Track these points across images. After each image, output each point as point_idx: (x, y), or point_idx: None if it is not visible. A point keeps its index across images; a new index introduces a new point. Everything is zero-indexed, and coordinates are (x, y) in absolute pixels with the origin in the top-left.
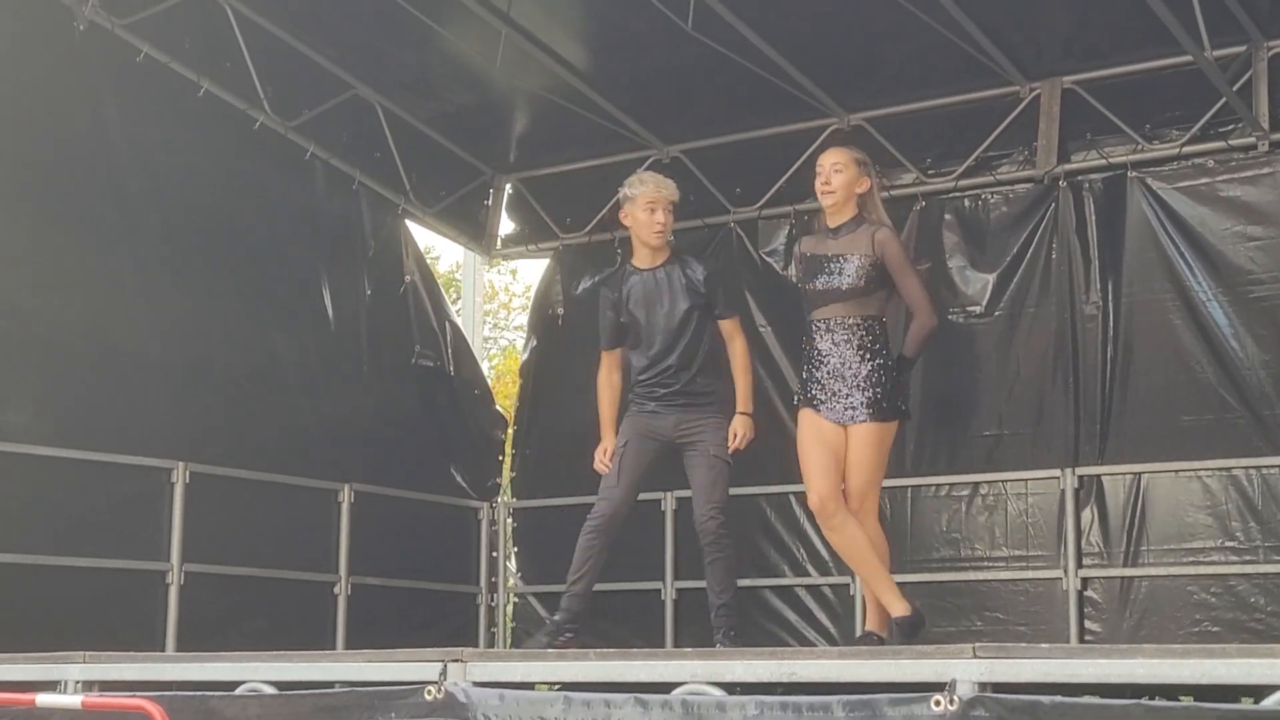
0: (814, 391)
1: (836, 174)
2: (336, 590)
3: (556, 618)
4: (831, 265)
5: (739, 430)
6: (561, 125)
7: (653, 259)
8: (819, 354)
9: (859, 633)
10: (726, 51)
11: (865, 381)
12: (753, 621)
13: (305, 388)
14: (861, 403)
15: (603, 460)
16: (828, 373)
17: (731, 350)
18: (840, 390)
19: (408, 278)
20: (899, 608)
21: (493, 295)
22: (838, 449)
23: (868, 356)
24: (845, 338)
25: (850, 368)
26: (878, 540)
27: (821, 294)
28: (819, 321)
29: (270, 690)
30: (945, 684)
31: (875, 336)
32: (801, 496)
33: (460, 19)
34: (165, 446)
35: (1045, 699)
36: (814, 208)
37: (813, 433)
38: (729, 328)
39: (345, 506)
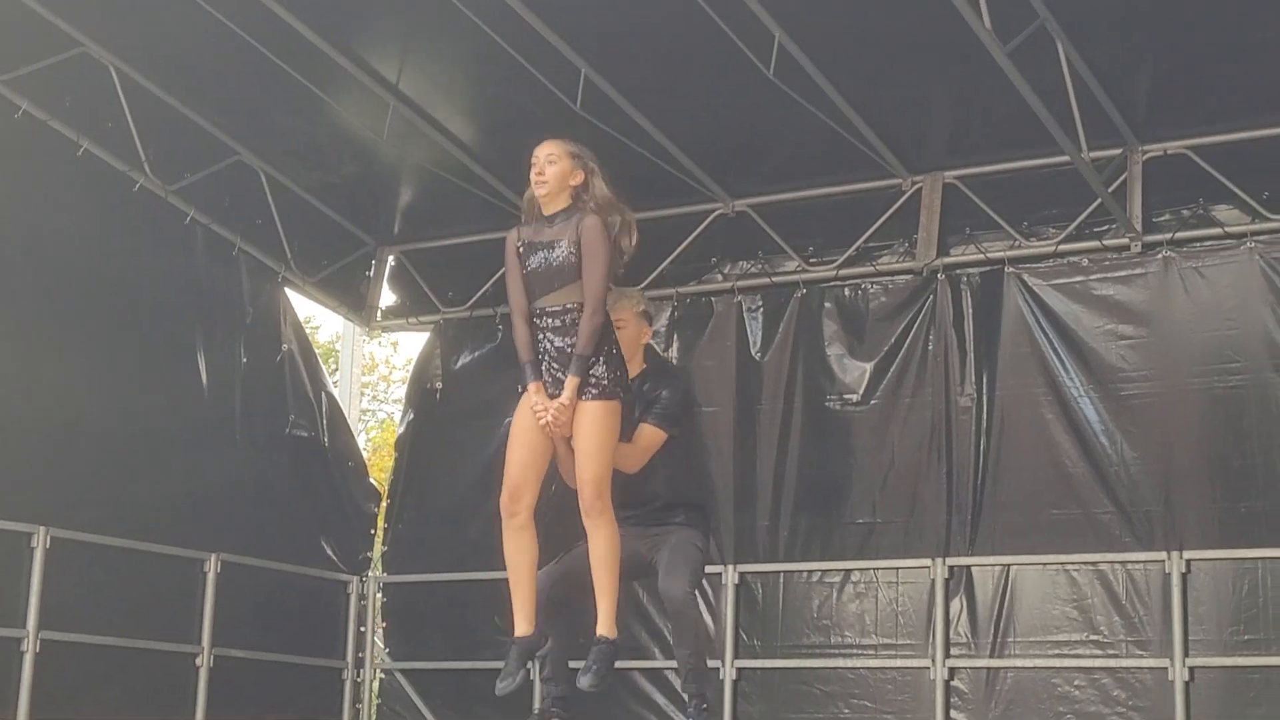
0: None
1: (550, 165)
2: (199, 661)
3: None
4: (546, 250)
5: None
6: (446, 199)
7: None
8: (545, 344)
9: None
10: (614, 133)
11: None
12: (621, 704)
13: (176, 455)
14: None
15: None
16: (552, 359)
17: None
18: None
19: (285, 346)
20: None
21: (372, 367)
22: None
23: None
24: (560, 325)
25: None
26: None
27: (539, 277)
28: (538, 309)
29: None
30: None
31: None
32: None
33: (348, 89)
34: (28, 510)
35: None
36: (697, 290)
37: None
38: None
39: (211, 576)
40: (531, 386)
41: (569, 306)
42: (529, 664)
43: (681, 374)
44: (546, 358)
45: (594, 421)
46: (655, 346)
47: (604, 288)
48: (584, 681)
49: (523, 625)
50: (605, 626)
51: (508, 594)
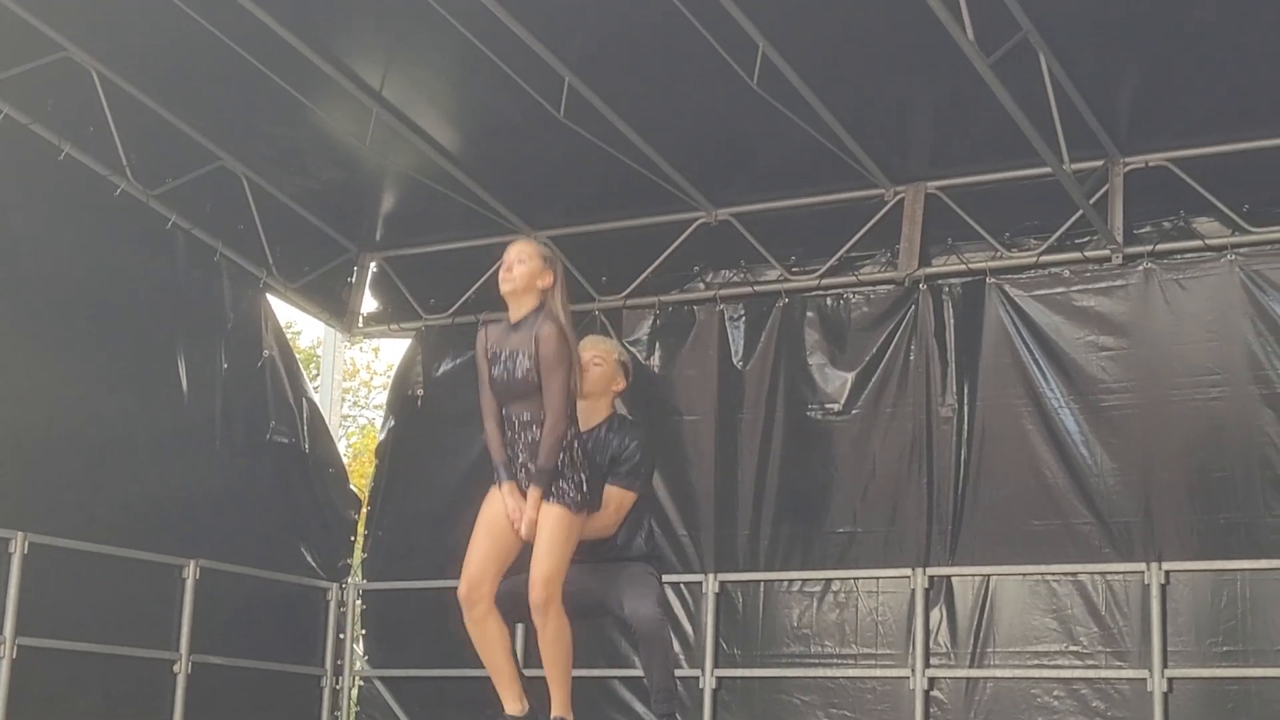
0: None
1: (519, 264)
2: (176, 669)
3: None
4: (508, 361)
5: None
6: (429, 206)
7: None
8: (519, 445)
9: None
10: (597, 141)
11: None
12: (601, 713)
13: (155, 460)
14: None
15: None
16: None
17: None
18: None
19: (266, 352)
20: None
21: (354, 373)
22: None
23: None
24: (528, 436)
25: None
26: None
27: (503, 387)
28: (507, 414)
29: None
30: None
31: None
32: None
33: (332, 95)
34: (6, 515)
35: None
36: (680, 299)
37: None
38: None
39: (190, 582)
40: (505, 487)
41: (539, 417)
42: None
43: (644, 430)
44: (522, 457)
45: (555, 523)
46: (638, 354)
47: (564, 400)
48: None
49: (513, 704)
50: (560, 708)
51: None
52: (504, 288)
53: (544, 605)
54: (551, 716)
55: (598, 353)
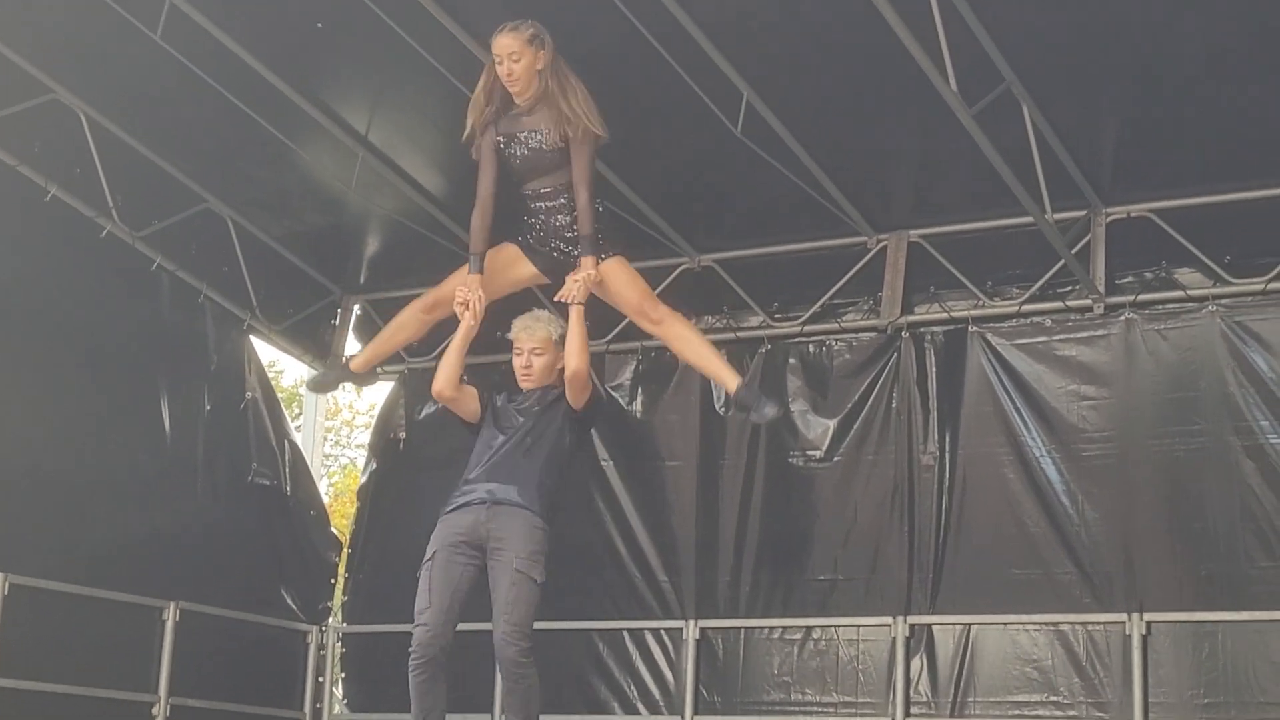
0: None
1: (514, 62)
2: (155, 711)
3: None
4: (529, 139)
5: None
6: (414, 249)
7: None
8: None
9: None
10: None
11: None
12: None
13: (137, 502)
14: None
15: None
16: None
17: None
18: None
19: (249, 394)
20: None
21: (336, 412)
22: None
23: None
24: (555, 205)
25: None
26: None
27: (527, 165)
28: (531, 190)
29: None
30: None
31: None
32: (635, 633)
33: (317, 139)
34: None
35: None
36: (661, 345)
37: None
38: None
39: (170, 624)
40: (473, 278)
41: (560, 188)
42: None
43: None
44: (544, 233)
45: (619, 271)
46: (620, 400)
47: (591, 171)
48: (769, 411)
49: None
50: (732, 380)
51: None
52: (511, 88)
53: (659, 315)
54: (732, 392)
55: (535, 343)
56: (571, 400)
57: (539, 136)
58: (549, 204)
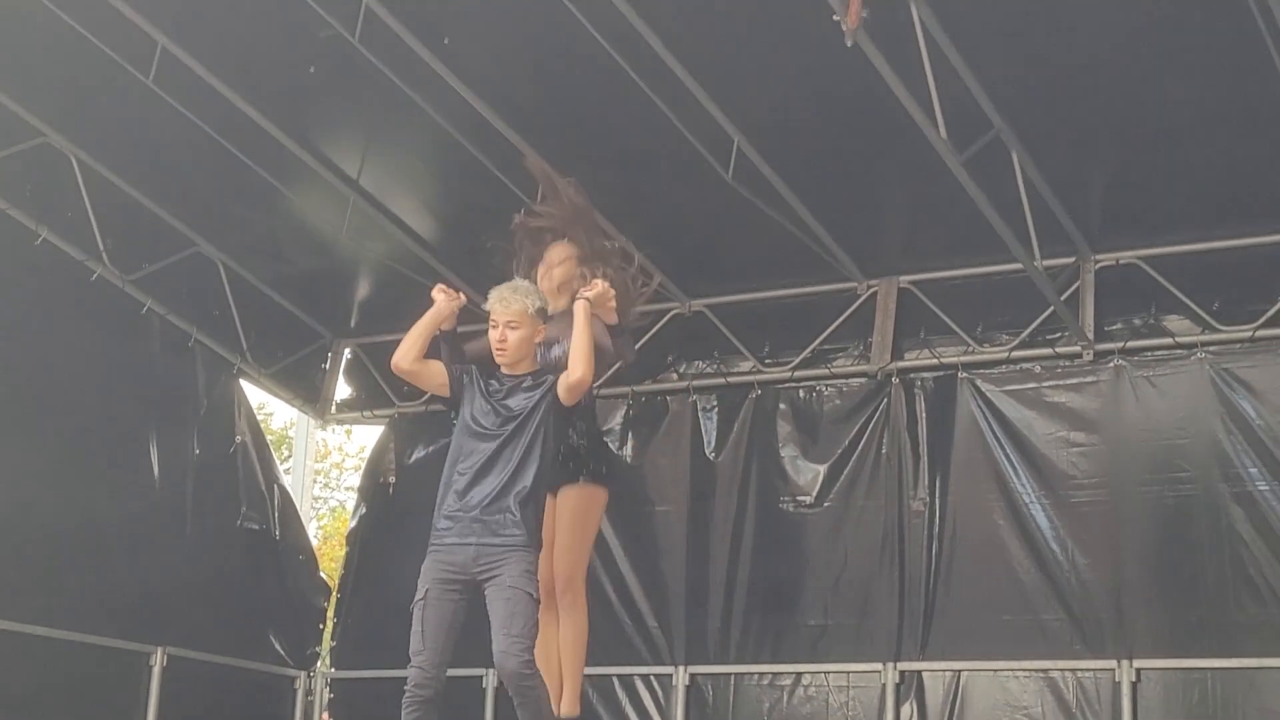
0: None
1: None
2: None
3: None
4: (541, 347)
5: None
6: (404, 293)
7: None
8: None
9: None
10: None
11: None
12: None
13: (125, 547)
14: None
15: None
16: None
17: None
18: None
19: (238, 438)
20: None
21: (325, 455)
22: None
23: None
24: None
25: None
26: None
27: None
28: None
29: None
30: None
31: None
32: (624, 679)
33: (308, 183)
34: None
35: None
36: (653, 389)
37: None
38: None
39: (157, 670)
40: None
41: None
42: None
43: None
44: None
45: (577, 507)
46: (610, 444)
47: (586, 352)
48: None
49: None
50: (570, 707)
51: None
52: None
53: (567, 599)
54: (561, 715)
55: (510, 315)
56: (563, 397)
57: (553, 347)
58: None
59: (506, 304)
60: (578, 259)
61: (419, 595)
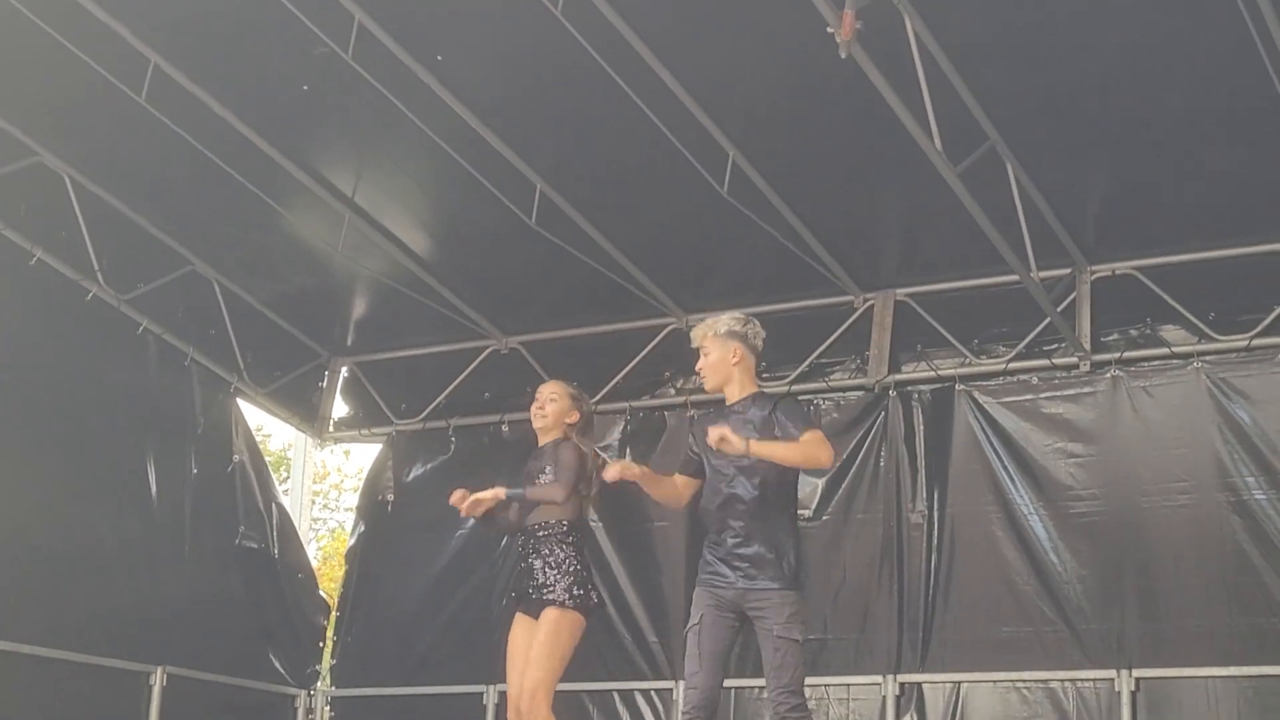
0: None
1: (551, 402)
2: None
3: None
4: (528, 482)
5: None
6: (401, 311)
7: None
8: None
9: None
10: (568, 247)
11: (557, 573)
12: None
13: (124, 567)
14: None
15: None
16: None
17: None
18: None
19: (236, 457)
20: None
21: (324, 476)
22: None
23: (561, 551)
24: (539, 539)
25: (549, 565)
26: None
27: (528, 505)
28: (525, 526)
29: None
30: None
31: (566, 535)
32: (625, 694)
33: (303, 201)
34: None
35: None
36: (651, 405)
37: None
38: None
39: (157, 689)
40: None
41: (549, 523)
42: None
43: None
44: (526, 578)
45: (555, 627)
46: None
47: (569, 486)
48: None
49: None
50: None
51: (456, 708)
52: (536, 423)
53: (532, 714)
54: None
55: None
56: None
57: (541, 480)
58: (545, 533)
59: (698, 332)
60: (570, 396)
61: (694, 620)
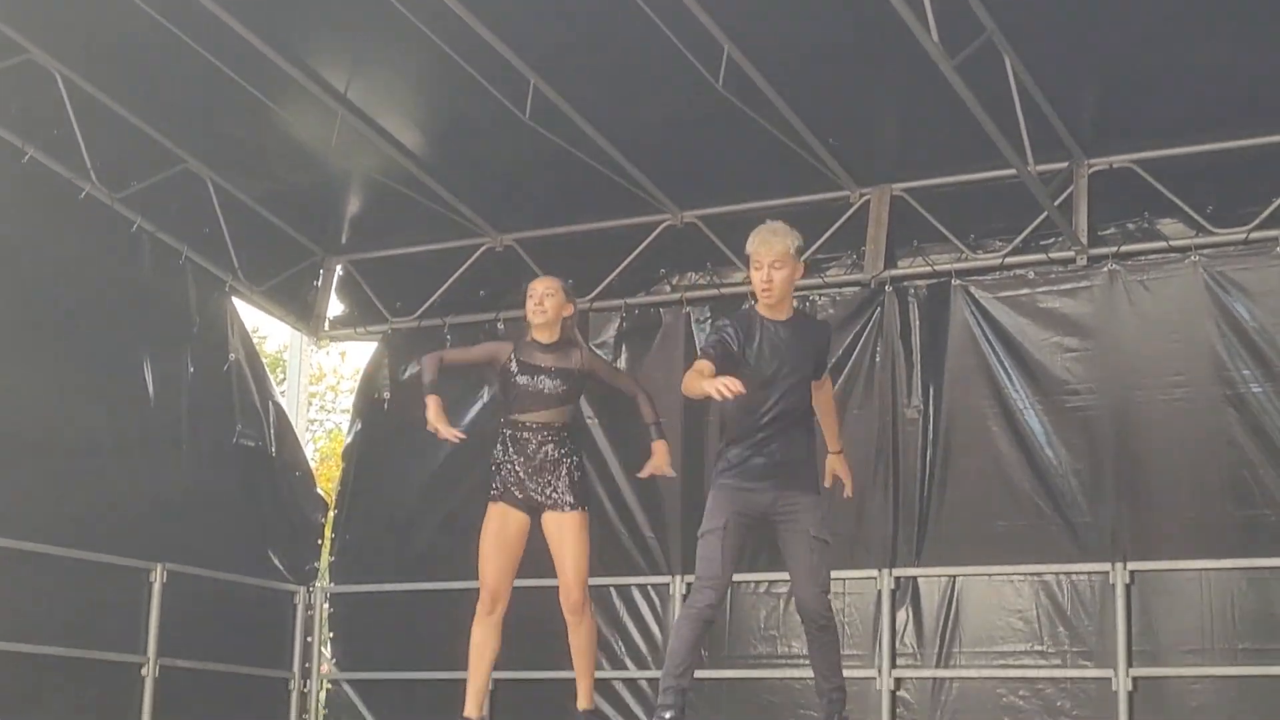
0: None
1: (549, 297)
2: (144, 672)
3: (668, 715)
4: (537, 376)
5: (840, 471)
6: (395, 209)
7: (773, 312)
8: (520, 451)
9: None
10: (563, 143)
11: (567, 477)
12: (567, 712)
13: (121, 465)
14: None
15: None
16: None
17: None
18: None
19: (232, 356)
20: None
21: (320, 377)
22: None
23: (565, 454)
24: (536, 440)
25: (549, 464)
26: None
27: (530, 396)
28: (517, 421)
29: None
30: None
31: (569, 437)
32: (622, 589)
33: (296, 98)
34: None
35: None
36: (646, 302)
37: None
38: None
39: (157, 586)
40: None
41: (551, 424)
42: None
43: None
44: (510, 468)
45: (577, 531)
46: (605, 357)
47: (630, 378)
48: None
49: (472, 708)
50: (585, 701)
51: (455, 603)
52: (535, 319)
53: (580, 606)
54: (580, 708)
55: (774, 256)
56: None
57: (549, 377)
58: (530, 438)
59: (769, 245)
60: (564, 290)
61: (720, 523)
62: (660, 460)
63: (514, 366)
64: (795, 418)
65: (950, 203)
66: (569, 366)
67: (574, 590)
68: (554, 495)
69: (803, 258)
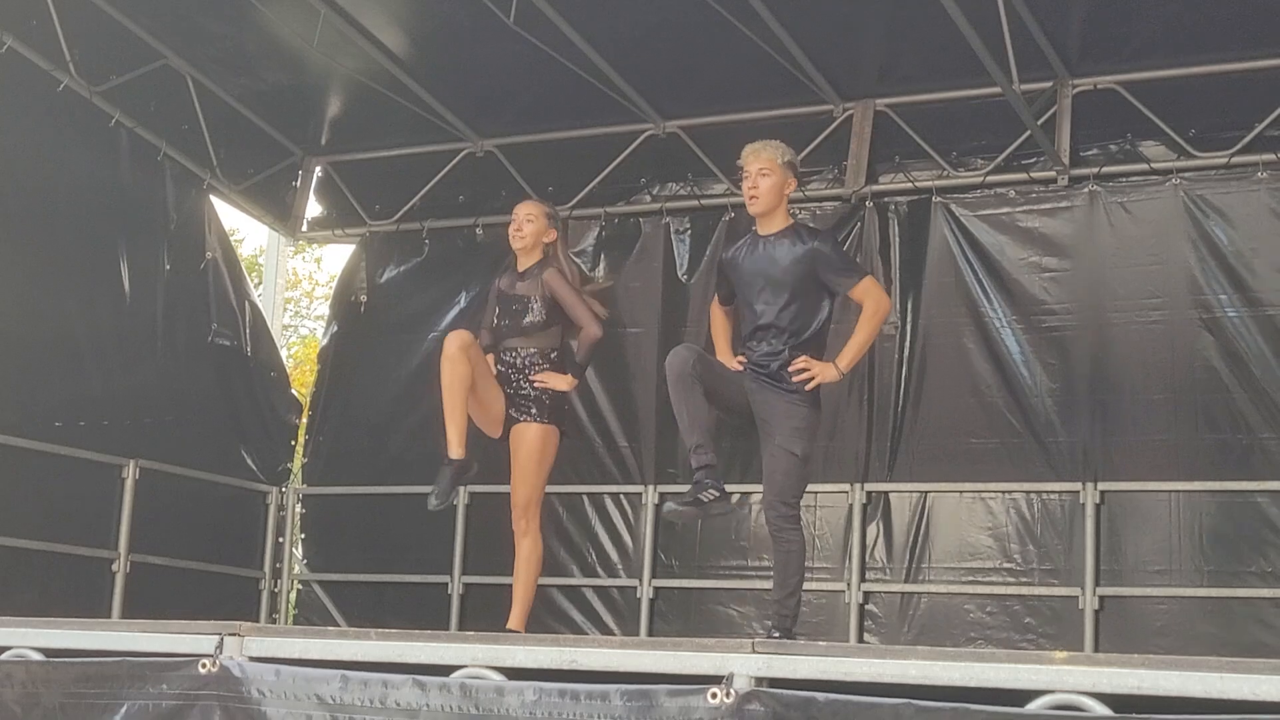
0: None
1: (528, 223)
2: (115, 567)
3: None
4: (515, 304)
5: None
6: (376, 111)
7: (763, 226)
8: (505, 384)
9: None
10: (547, 49)
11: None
12: (539, 620)
13: (96, 360)
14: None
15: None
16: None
17: None
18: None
19: (209, 254)
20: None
21: (295, 283)
22: None
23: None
24: (521, 364)
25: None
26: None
27: (508, 325)
28: (505, 347)
29: (37, 657)
30: (723, 677)
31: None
32: (594, 497)
33: None
34: None
35: (819, 695)
36: (626, 211)
37: None
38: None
39: (129, 482)
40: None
41: (532, 350)
42: (460, 485)
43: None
44: (514, 384)
45: (533, 443)
46: (583, 266)
47: (588, 312)
48: None
49: (455, 448)
50: (515, 622)
51: (425, 508)
52: (515, 244)
53: (523, 526)
54: (507, 626)
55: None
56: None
57: (527, 303)
58: (516, 361)
59: (757, 154)
60: (546, 215)
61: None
62: (555, 379)
63: (495, 299)
64: (784, 331)
65: (933, 119)
66: (543, 294)
67: (515, 506)
68: (522, 405)
69: (796, 172)
